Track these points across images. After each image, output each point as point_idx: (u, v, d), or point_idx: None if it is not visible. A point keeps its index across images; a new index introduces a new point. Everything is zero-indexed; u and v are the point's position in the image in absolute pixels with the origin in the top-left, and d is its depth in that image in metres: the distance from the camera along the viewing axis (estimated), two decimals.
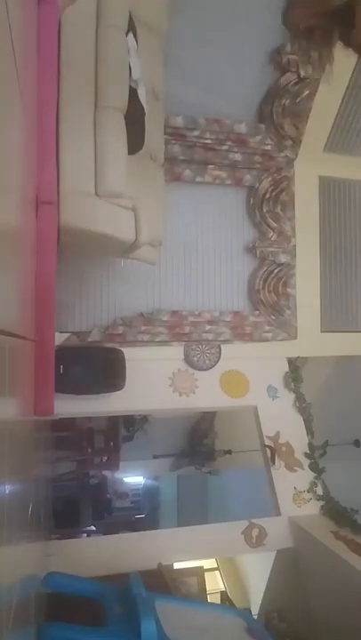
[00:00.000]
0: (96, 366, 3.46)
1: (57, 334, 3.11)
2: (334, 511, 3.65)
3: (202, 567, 5.13)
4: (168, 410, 4.50)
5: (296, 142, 4.13)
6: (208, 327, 3.98)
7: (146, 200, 2.85)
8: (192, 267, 4.15)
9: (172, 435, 6.49)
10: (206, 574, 5.28)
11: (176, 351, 3.99)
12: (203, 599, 4.63)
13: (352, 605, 2.93)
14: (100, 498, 6.73)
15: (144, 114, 2.98)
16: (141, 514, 7.42)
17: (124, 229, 2.69)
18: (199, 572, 4.99)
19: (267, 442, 3.94)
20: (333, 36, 1.30)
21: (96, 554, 3.35)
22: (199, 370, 4.01)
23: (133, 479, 7.71)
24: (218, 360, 4.04)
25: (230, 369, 4.08)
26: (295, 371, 4.20)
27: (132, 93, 2.76)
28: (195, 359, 4.00)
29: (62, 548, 3.29)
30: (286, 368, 4.21)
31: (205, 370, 4.02)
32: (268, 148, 4.08)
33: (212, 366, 4.03)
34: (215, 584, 6.30)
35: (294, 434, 4.00)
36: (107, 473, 6.87)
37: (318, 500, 3.80)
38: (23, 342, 1.65)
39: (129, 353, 3.65)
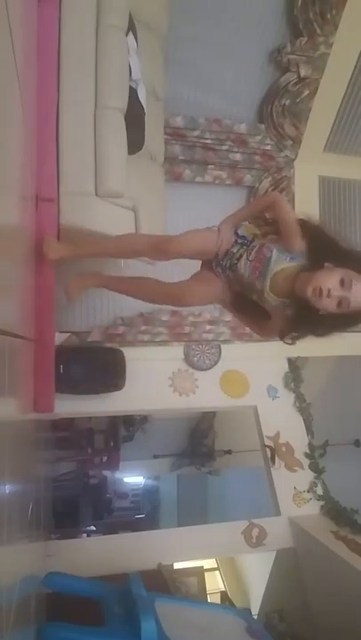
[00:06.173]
0: (96, 366, 3.46)
1: (57, 334, 3.11)
2: (334, 511, 3.65)
3: (202, 567, 5.12)
4: (168, 410, 4.50)
5: (296, 142, 4.12)
6: (208, 327, 3.98)
7: (146, 200, 2.85)
8: (192, 266, 4.13)
9: (172, 435, 6.49)
10: (206, 574, 5.27)
11: (176, 351, 3.98)
12: (203, 599, 4.62)
13: (352, 605, 2.93)
14: (100, 498, 6.71)
15: (144, 114, 2.97)
16: (141, 514, 7.40)
17: (123, 229, 2.68)
18: (199, 572, 4.98)
19: (267, 442, 3.93)
20: None
21: (96, 554, 3.35)
22: (199, 370, 4.01)
23: (133, 479, 7.70)
24: (218, 360, 4.04)
25: (230, 369, 4.07)
26: (295, 371, 4.20)
27: (132, 93, 2.76)
28: (195, 359, 4.00)
29: (62, 548, 3.28)
30: (286, 368, 4.20)
31: (205, 370, 4.01)
32: (268, 147, 4.07)
33: (212, 366, 4.03)
34: (215, 584, 6.30)
35: (294, 434, 4.00)
36: (107, 473, 6.86)
37: (318, 499, 3.79)
38: (23, 342, 1.65)
39: (129, 353, 3.64)
